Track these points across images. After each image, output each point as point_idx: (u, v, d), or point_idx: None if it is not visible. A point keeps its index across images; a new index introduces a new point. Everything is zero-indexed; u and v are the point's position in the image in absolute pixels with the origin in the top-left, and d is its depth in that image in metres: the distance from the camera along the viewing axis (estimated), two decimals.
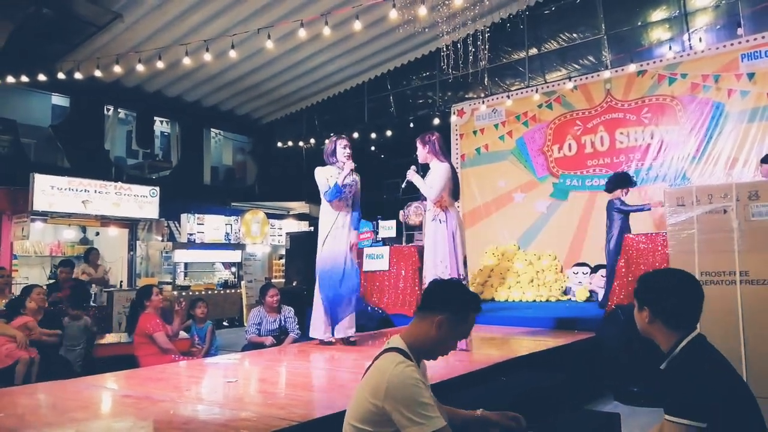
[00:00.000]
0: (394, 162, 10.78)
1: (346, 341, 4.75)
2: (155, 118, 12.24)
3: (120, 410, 2.90)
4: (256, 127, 14.04)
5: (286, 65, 10.62)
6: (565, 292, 7.93)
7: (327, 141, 4.94)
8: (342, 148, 4.77)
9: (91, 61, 8.73)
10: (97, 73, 8.58)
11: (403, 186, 4.84)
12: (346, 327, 4.72)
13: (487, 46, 8.13)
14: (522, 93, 9.47)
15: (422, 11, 6.75)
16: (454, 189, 4.61)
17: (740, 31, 7.49)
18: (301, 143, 12.87)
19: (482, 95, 9.99)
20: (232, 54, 8.09)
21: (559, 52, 9.35)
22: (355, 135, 11.17)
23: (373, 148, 12.12)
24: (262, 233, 11.91)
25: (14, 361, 4.62)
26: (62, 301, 6.28)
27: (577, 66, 9.21)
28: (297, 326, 5.66)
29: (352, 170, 4.72)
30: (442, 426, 1.74)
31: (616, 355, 4.69)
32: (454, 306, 1.95)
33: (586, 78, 8.83)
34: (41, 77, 8.65)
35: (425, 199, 4.71)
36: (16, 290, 7.05)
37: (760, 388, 2.63)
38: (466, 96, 10.31)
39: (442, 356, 2.01)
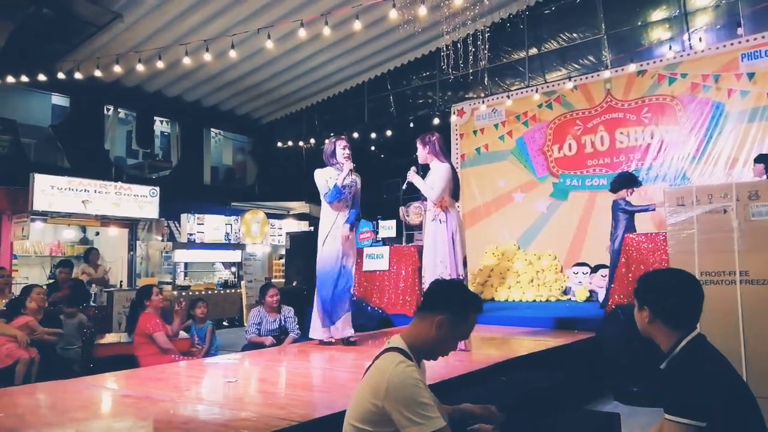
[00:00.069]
0: (394, 162, 10.78)
1: (346, 341, 4.75)
2: (155, 118, 12.25)
3: (120, 410, 2.89)
4: (256, 127, 14.04)
5: (286, 65, 10.62)
6: (565, 292, 7.93)
7: (327, 141, 4.94)
8: (341, 149, 4.77)
9: (91, 61, 8.73)
10: (97, 73, 8.58)
11: (403, 187, 4.84)
12: (342, 327, 4.72)
13: (487, 46, 8.12)
14: (522, 93, 9.47)
15: (422, 11, 6.75)
16: (454, 189, 4.61)
17: (740, 30, 7.49)
18: (301, 143, 12.87)
19: (482, 95, 9.99)
20: (232, 54, 8.09)
21: (559, 52, 9.35)
22: (355, 135, 11.18)
23: (373, 148, 12.11)
24: (262, 233, 11.91)
25: (14, 360, 4.63)
26: (62, 301, 6.28)
27: (577, 66, 9.21)
28: (297, 326, 5.67)
29: (351, 171, 4.72)
30: (442, 426, 1.74)
31: (616, 355, 4.69)
32: (454, 306, 1.95)
33: (586, 78, 8.84)
34: (41, 77, 8.65)
35: (426, 199, 4.71)
36: (16, 290, 7.05)
37: (760, 388, 2.63)
38: (466, 96, 10.31)
39: (442, 356, 2.01)
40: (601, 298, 7.11)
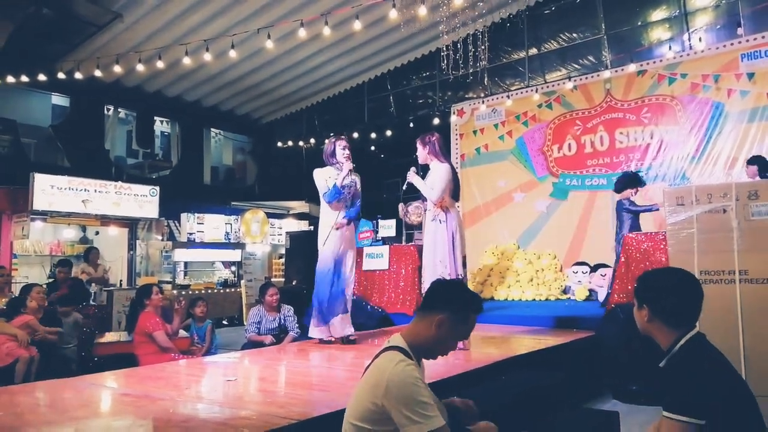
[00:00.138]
0: (393, 162, 10.79)
1: (346, 340, 4.75)
2: (155, 117, 12.25)
3: (119, 409, 2.89)
4: (256, 127, 14.04)
5: (286, 65, 10.62)
6: (565, 291, 7.93)
7: (326, 141, 4.94)
8: (341, 149, 4.78)
9: (91, 60, 8.73)
10: (97, 73, 8.58)
11: (403, 188, 4.84)
12: (341, 326, 4.71)
13: (486, 46, 8.13)
14: (522, 93, 9.48)
15: (422, 11, 6.75)
16: (454, 189, 4.61)
17: (740, 30, 7.49)
18: (301, 143, 12.88)
19: (482, 95, 9.99)
20: (232, 54, 8.10)
21: (558, 52, 9.35)
22: (355, 135, 11.18)
23: (373, 148, 12.12)
24: (262, 233, 11.92)
25: (14, 359, 4.63)
26: (59, 301, 6.28)
27: (576, 66, 9.21)
28: (296, 325, 5.67)
29: (351, 171, 4.72)
30: (441, 425, 1.74)
31: (615, 354, 4.69)
32: (454, 306, 1.95)
33: (586, 78, 8.84)
34: (41, 77, 8.65)
35: (426, 199, 4.71)
36: (16, 289, 7.05)
37: (759, 386, 2.63)
38: (466, 96, 10.31)
39: (441, 356, 2.01)
40: (600, 297, 7.11)
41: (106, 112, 11.61)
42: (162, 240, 10.95)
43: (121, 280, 10.09)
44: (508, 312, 6.55)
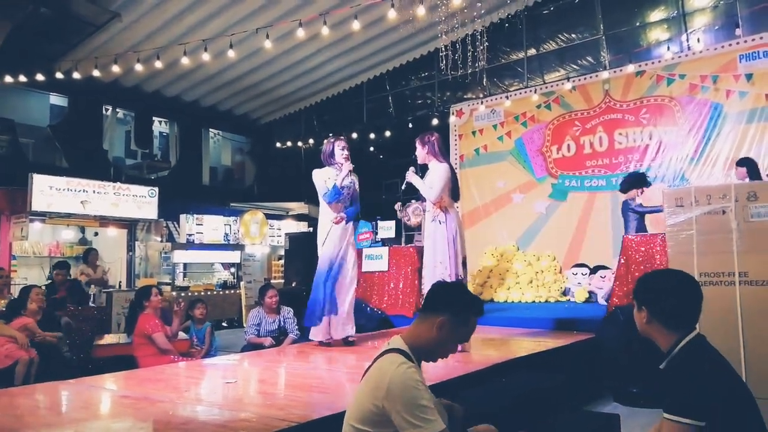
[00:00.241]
0: (393, 162, 10.79)
1: (345, 342, 4.75)
2: (154, 118, 12.24)
3: (119, 411, 2.89)
4: (255, 128, 14.03)
5: (285, 65, 10.61)
6: (564, 293, 7.93)
7: (325, 142, 4.93)
8: (340, 149, 4.77)
9: (89, 60, 8.72)
10: (96, 73, 8.57)
11: (402, 188, 4.84)
12: (342, 326, 4.70)
13: (485, 47, 8.13)
14: (521, 93, 9.48)
15: (421, 11, 6.75)
16: (453, 190, 4.61)
17: (738, 31, 7.50)
18: (299, 143, 12.86)
19: (481, 96, 9.99)
20: (231, 54, 8.09)
21: (557, 53, 9.35)
22: (354, 135, 11.17)
23: (371, 148, 12.11)
24: (261, 234, 11.90)
25: (14, 361, 4.63)
26: (61, 303, 6.28)
27: (575, 66, 9.22)
28: (296, 327, 5.66)
29: (350, 171, 4.72)
30: (441, 429, 1.74)
31: (615, 356, 4.69)
32: (455, 308, 1.95)
33: (585, 78, 8.84)
34: (39, 77, 8.64)
35: (425, 199, 4.71)
36: (15, 291, 7.04)
37: (760, 388, 2.63)
38: (465, 96, 10.31)
39: (442, 358, 2.00)
40: (599, 299, 7.12)
41: (104, 112, 11.59)
42: (161, 241, 10.93)
43: (120, 282, 10.06)
44: (507, 314, 6.54)
